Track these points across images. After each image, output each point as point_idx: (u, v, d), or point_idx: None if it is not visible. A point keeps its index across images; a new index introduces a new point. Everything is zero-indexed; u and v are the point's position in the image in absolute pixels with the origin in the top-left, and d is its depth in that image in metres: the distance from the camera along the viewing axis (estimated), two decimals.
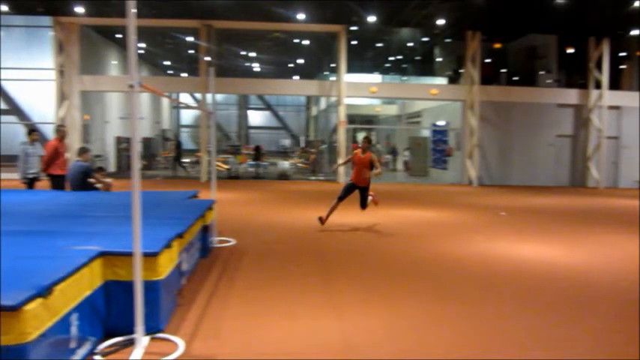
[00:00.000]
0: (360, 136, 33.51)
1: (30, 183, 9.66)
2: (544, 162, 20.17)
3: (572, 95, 20.18)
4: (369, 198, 9.39)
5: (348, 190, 9.24)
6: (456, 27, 19.36)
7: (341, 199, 9.14)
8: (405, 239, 8.58)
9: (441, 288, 5.75)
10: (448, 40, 23.96)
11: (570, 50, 22.14)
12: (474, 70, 19.36)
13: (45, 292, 3.04)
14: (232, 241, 7.85)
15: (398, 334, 4.33)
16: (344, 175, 19.40)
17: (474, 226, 10.22)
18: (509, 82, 21.94)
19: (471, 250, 7.71)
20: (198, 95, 21.69)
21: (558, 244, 8.28)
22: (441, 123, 22.56)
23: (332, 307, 4.96)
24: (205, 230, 6.82)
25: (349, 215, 10.78)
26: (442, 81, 24.15)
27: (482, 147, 19.62)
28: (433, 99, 20.84)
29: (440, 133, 22.59)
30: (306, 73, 32.51)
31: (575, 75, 21.14)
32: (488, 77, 20.41)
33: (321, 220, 9.16)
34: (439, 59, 26.30)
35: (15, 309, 2.78)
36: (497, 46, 23.30)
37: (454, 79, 22.73)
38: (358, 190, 9.23)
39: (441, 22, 18.16)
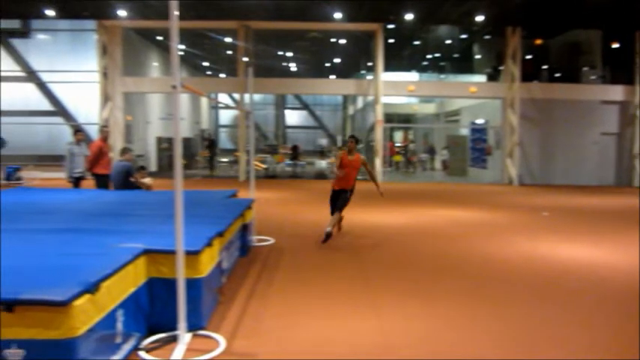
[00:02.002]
0: (398, 135, 33.49)
1: (76, 182, 9.93)
2: (588, 160, 19.59)
3: (617, 91, 19.54)
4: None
5: (334, 201, 8.11)
6: (495, 23, 19.00)
7: (334, 211, 8.08)
8: (443, 239, 8.48)
9: (481, 289, 5.66)
10: (487, 37, 23.52)
11: (615, 45, 21.43)
12: (514, 67, 18.98)
13: (92, 288, 3.13)
14: (271, 240, 7.91)
15: (437, 335, 4.28)
16: (380, 174, 19.30)
17: (515, 226, 10.02)
18: (551, 78, 21.36)
19: (512, 251, 7.56)
20: (236, 95, 21.93)
21: (603, 246, 8.03)
22: (480, 121, 22.19)
23: (370, 307, 4.95)
24: (245, 229, 6.89)
25: (386, 215, 10.73)
26: (481, 78, 23.72)
27: (522, 145, 19.20)
28: (472, 97, 20.51)
29: (479, 132, 22.22)
30: (343, 72, 32.46)
31: (621, 71, 20.44)
32: (529, 74, 19.95)
33: (331, 233, 7.82)
34: (478, 56, 25.85)
35: (64, 304, 2.88)
36: (539, 42, 22.74)
37: (493, 77, 22.30)
38: (339, 195, 8.02)
39: (480, 18, 17.84)
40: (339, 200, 8.01)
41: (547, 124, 19.53)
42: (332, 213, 8.14)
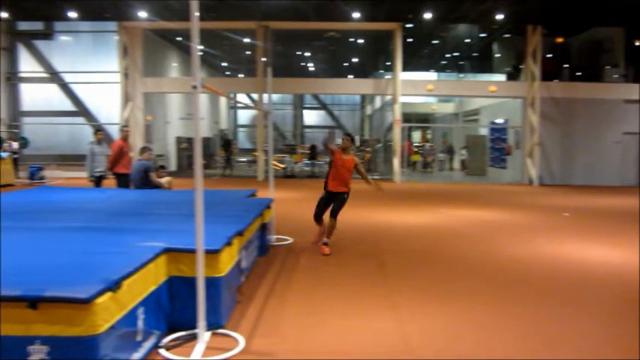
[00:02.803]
0: (416, 135, 33.31)
1: (97, 181, 10.05)
2: (610, 160, 19.27)
3: None
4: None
5: (325, 204, 7.39)
6: (515, 21, 18.80)
7: (319, 217, 7.43)
8: (463, 240, 8.42)
9: (501, 290, 5.61)
10: (507, 36, 23.29)
11: (638, 43, 21.05)
12: (534, 65, 18.76)
13: (114, 286, 3.17)
14: (289, 240, 7.93)
15: (457, 336, 4.25)
16: (399, 174, 19.23)
17: (535, 227, 9.90)
18: (572, 77, 21.06)
19: (533, 252, 7.48)
20: (254, 95, 22.03)
21: (626, 248, 7.89)
22: (499, 121, 21.99)
23: (390, 307, 4.94)
24: (263, 228, 6.92)
25: (404, 215, 10.69)
26: (501, 78, 23.51)
27: (543, 145, 18.97)
28: (491, 96, 20.33)
29: (498, 131, 22.02)
30: (361, 71, 32.40)
31: None
32: (550, 73, 19.70)
33: (325, 245, 7.24)
34: (497, 55, 25.61)
35: (87, 302, 2.91)
36: (560, 40, 22.44)
37: (513, 76, 22.08)
38: (335, 198, 7.30)
39: (499, 16, 17.67)
40: (335, 203, 7.25)
41: (568, 124, 19.27)
42: (317, 216, 7.41)
